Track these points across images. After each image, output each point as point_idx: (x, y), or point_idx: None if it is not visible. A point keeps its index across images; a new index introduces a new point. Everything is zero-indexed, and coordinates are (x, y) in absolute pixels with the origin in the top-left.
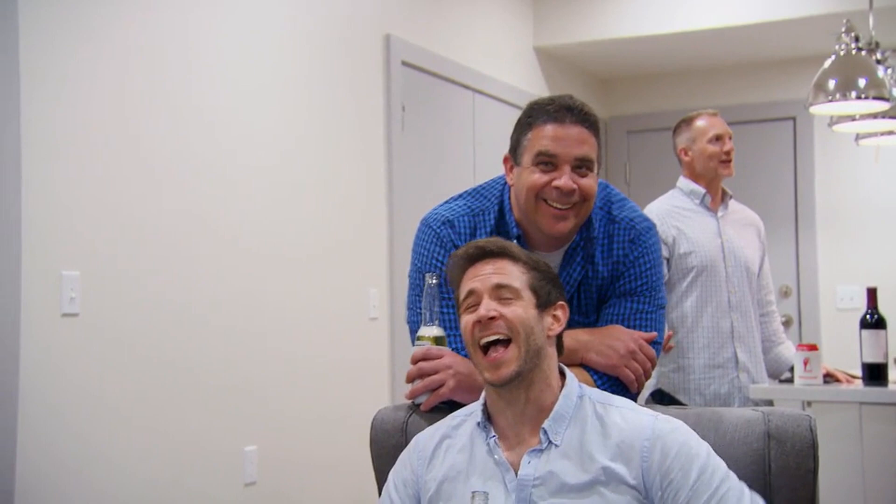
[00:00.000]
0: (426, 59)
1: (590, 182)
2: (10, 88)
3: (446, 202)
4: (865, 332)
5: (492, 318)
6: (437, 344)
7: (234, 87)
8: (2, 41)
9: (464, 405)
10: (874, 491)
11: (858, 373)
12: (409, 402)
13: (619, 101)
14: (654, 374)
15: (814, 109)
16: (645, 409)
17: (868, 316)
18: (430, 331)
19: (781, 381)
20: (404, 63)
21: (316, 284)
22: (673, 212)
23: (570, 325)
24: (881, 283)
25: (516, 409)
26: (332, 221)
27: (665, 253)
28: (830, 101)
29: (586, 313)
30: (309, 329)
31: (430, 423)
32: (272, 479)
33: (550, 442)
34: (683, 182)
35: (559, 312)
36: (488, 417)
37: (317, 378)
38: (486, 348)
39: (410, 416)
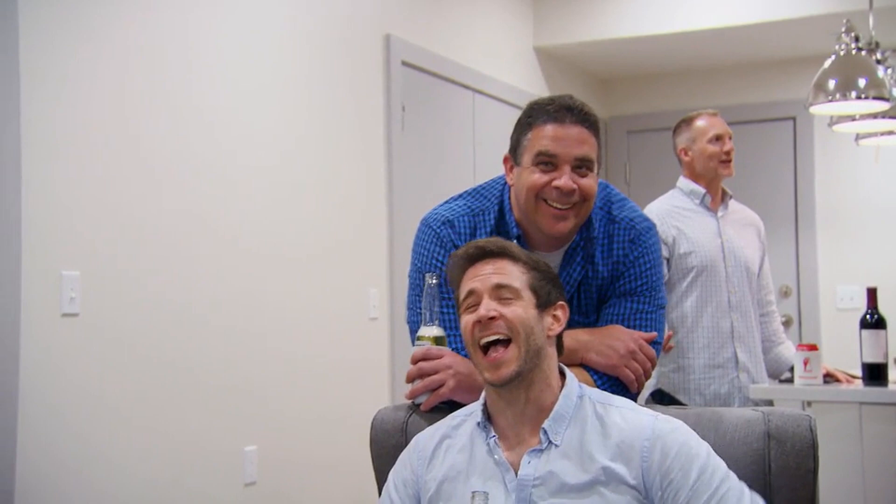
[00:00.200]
0: (426, 59)
1: (590, 182)
2: (10, 88)
3: (446, 202)
4: (865, 332)
5: (492, 318)
6: (437, 344)
7: (234, 87)
8: (2, 41)
9: (464, 405)
10: (874, 491)
11: (858, 373)
12: (409, 402)
13: (619, 101)
14: (654, 374)
15: (814, 109)
16: (645, 409)
17: (868, 316)
18: (430, 331)
19: (781, 381)
20: (404, 63)
21: (316, 284)
22: (673, 212)
23: (570, 325)
24: (881, 283)
25: (516, 409)
26: (332, 221)
27: (665, 253)
28: (830, 101)
29: (586, 313)
30: (309, 329)
31: (430, 423)
32: (272, 479)
33: (550, 442)
34: (683, 182)
35: (559, 312)
36: (488, 417)
37: (317, 378)
38: (486, 348)
39: (410, 416)
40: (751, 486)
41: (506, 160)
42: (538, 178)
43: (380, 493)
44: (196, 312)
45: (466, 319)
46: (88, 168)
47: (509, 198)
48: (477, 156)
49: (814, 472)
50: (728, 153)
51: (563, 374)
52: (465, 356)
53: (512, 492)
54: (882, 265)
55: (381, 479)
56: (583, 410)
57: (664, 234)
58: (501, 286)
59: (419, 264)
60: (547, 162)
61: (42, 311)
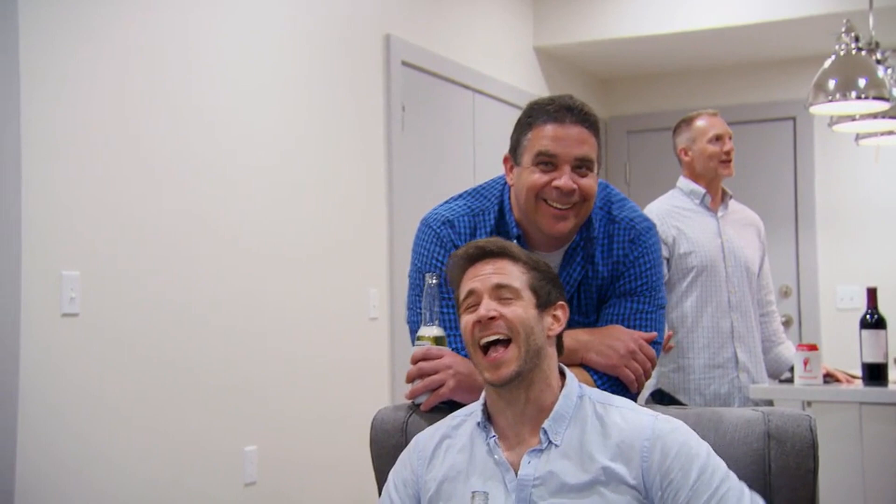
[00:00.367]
0: (426, 59)
1: (590, 182)
2: (10, 88)
3: (446, 202)
4: (865, 332)
5: (492, 318)
6: (437, 344)
7: (234, 87)
8: (2, 41)
9: (464, 405)
10: (874, 491)
11: (858, 373)
12: (409, 402)
13: (619, 101)
14: (654, 374)
15: (814, 109)
16: (645, 409)
17: (868, 316)
18: (430, 331)
19: (781, 381)
20: (404, 63)
21: (316, 284)
22: (673, 212)
23: (570, 325)
24: (881, 283)
25: (516, 409)
26: (332, 221)
27: (665, 253)
28: (830, 101)
29: (586, 313)
30: (309, 329)
31: (430, 423)
32: (272, 479)
33: (550, 442)
34: (683, 182)
35: (559, 312)
36: (488, 417)
37: (317, 378)
38: (486, 348)
39: (410, 416)
40: (751, 486)
41: (506, 160)
42: (538, 178)
43: (380, 493)
44: (196, 312)
45: (466, 319)
46: (88, 168)
47: (509, 198)
48: (477, 156)
49: (814, 472)
50: (728, 153)
51: (563, 374)
52: (465, 356)
53: (512, 492)
54: (882, 265)
55: (381, 479)
56: (583, 410)
57: (664, 234)
58: (501, 286)
59: (419, 264)
60: (547, 162)
61: (42, 311)
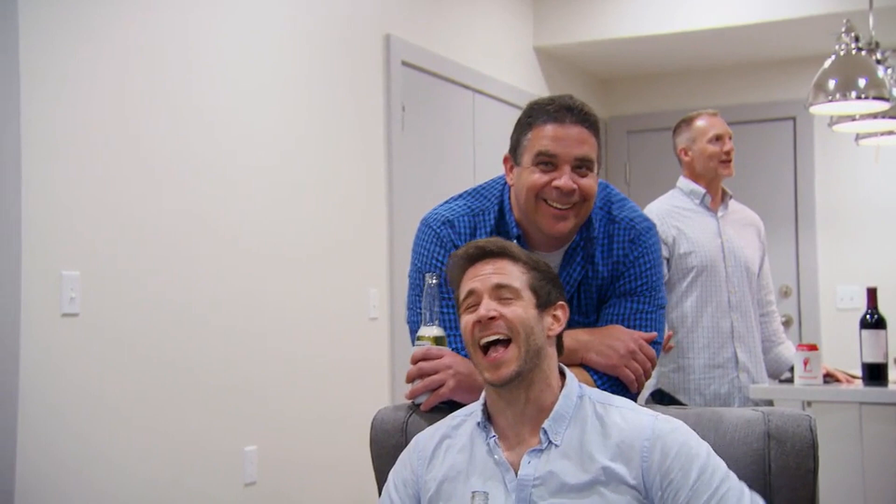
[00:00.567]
0: (426, 59)
1: (590, 182)
2: (10, 88)
3: (446, 202)
4: (865, 332)
5: (492, 318)
6: (437, 344)
7: (234, 87)
8: (2, 41)
9: (464, 405)
10: (874, 491)
11: (858, 373)
12: (409, 402)
13: (619, 101)
14: (654, 374)
15: (814, 109)
16: (645, 409)
17: (868, 316)
18: (430, 331)
19: (781, 381)
20: (404, 63)
21: (316, 284)
22: (673, 212)
23: (570, 325)
24: (881, 283)
25: (516, 409)
26: (332, 221)
27: (665, 253)
28: (830, 101)
29: (586, 313)
30: (309, 329)
31: (430, 423)
32: (272, 479)
33: (550, 442)
34: (683, 182)
35: (559, 312)
36: (488, 417)
37: (317, 378)
38: (486, 348)
39: (410, 416)
40: (751, 486)
41: (506, 160)
42: (538, 178)
43: (380, 493)
44: (196, 312)
45: (466, 319)
46: (88, 168)
47: (509, 198)
48: (477, 156)
49: (814, 472)
50: (728, 153)
51: (563, 374)
52: (465, 356)
53: (512, 492)
54: (882, 265)
55: (381, 479)
56: (583, 410)
57: (664, 234)
58: (501, 286)
59: (419, 264)
60: (547, 162)
61: (42, 311)
